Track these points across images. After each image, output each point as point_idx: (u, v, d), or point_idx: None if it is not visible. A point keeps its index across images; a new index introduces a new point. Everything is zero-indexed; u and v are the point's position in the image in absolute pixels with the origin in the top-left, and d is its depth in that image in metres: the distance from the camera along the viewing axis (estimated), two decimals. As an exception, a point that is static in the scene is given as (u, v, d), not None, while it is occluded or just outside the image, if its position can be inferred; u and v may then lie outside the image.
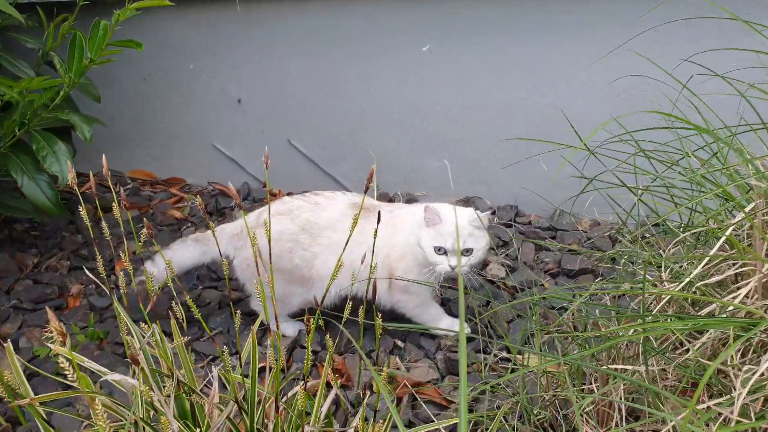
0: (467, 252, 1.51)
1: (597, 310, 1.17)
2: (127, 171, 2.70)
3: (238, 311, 1.14)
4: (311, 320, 0.99)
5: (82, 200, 1.07)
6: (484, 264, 2.02)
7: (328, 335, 1.13)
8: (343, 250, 1.13)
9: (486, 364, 1.49)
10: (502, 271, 1.98)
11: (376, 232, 1.15)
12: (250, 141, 2.52)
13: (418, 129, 2.33)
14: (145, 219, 1.11)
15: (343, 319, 1.14)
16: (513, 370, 1.53)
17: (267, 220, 1.12)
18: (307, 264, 1.62)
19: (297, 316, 1.75)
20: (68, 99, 2.00)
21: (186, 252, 1.71)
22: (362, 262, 1.19)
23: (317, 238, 1.61)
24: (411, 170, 2.39)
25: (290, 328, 1.74)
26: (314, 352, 1.68)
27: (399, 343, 1.69)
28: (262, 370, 1.41)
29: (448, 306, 1.81)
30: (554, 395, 1.31)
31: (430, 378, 1.51)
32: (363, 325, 1.14)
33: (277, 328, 1.08)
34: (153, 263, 1.71)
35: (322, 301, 1.14)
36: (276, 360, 0.99)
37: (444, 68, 2.23)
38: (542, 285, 1.91)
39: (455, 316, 1.75)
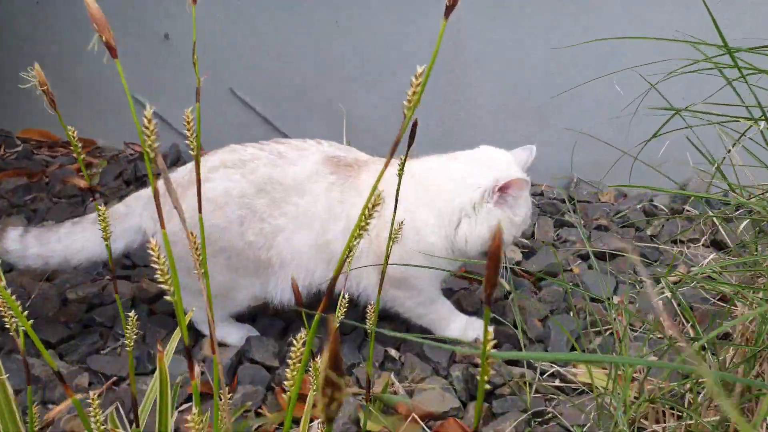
0: None
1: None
2: (17, 130, 2.08)
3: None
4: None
5: None
6: (491, 244, 1.56)
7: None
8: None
9: (530, 384, 1.02)
10: (518, 253, 1.52)
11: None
12: (180, 90, 1.95)
13: (401, 75, 1.84)
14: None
15: (334, 324, 0.65)
16: (565, 390, 1.07)
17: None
18: (265, 242, 1.10)
19: (241, 317, 1.24)
20: None
21: (81, 238, 1.16)
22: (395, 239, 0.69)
23: (282, 204, 1.10)
24: (390, 129, 1.90)
25: (234, 335, 1.22)
26: (268, 368, 1.17)
27: (392, 352, 1.20)
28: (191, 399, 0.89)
29: (455, 298, 1.33)
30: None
31: (449, 407, 1.02)
32: (366, 337, 0.65)
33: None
34: (20, 236, 1.15)
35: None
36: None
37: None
38: (571, 270, 1.47)
39: (468, 312, 1.27)
